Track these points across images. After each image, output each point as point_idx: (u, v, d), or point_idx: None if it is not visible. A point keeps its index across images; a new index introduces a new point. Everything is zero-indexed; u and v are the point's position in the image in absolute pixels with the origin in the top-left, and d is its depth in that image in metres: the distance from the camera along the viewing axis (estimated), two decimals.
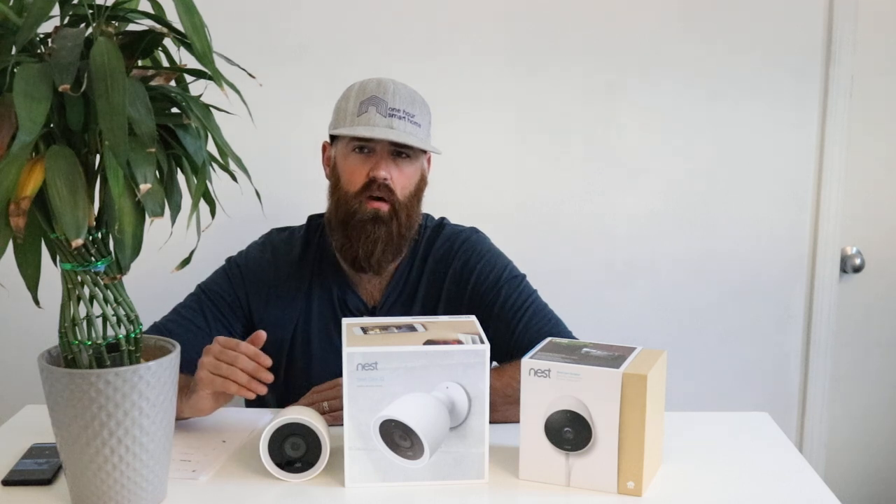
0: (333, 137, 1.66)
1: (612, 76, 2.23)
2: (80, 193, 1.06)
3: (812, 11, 2.23)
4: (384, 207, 1.60)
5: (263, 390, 1.40)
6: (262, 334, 1.46)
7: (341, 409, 1.33)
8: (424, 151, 1.66)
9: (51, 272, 1.18)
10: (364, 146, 1.60)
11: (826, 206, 2.30)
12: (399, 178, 1.61)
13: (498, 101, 2.23)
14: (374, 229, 1.60)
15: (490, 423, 1.30)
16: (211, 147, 1.21)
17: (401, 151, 1.60)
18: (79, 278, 1.15)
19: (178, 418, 1.48)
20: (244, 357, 1.40)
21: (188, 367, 1.56)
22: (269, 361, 1.41)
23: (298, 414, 1.33)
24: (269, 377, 1.40)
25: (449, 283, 1.69)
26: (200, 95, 1.19)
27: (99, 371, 1.14)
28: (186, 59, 1.16)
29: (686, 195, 2.29)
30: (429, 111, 1.66)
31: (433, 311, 1.69)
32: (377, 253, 1.61)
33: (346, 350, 1.27)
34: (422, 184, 1.67)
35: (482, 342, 1.28)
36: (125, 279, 1.19)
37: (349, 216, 1.61)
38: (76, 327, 1.16)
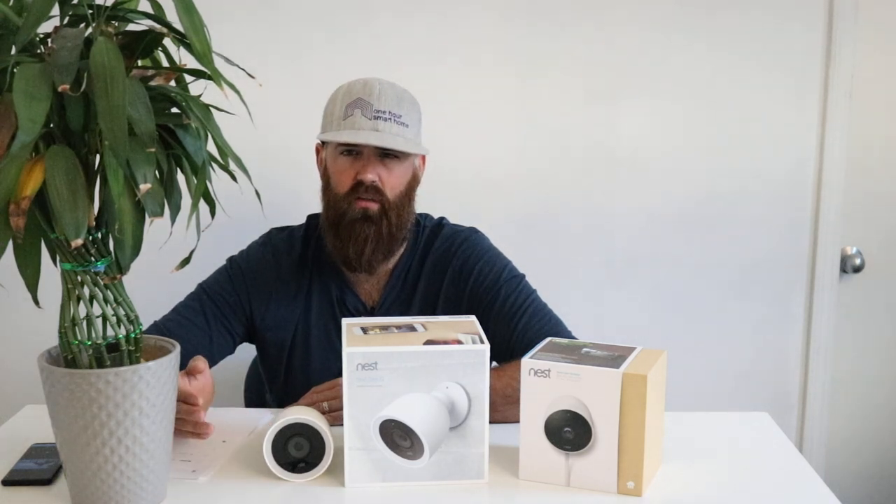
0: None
1: (612, 77, 2.23)
2: (80, 193, 1.06)
3: (812, 11, 2.23)
4: (373, 206, 1.60)
5: (208, 430, 1.38)
6: (199, 366, 1.43)
7: (341, 409, 1.33)
8: None
9: (51, 272, 1.18)
10: (352, 149, 1.60)
11: (826, 206, 2.30)
12: (388, 178, 1.61)
13: (498, 102, 2.23)
14: (364, 229, 1.60)
15: (490, 423, 1.30)
16: (211, 147, 1.21)
17: (389, 152, 1.60)
18: (79, 278, 1.15)
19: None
20: (180, 403, 1.35)
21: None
22: (196, 400, 1.38)
23: (301, 414, 1.33)
24: (200, 417, 1.37)
25: (448, 283, 1.69)
26: (200, 95, 1.19)
27: (99, 371, 1.14)
28: (186, 59, 1.16)
29: (686, 195, 2.29)
30: (418, 110, 1.65)
31: (432, 311, 1.69)
32: (367, 252, 1.61)
33: (346, 350, 1.27)
34: (413, 183, 1.67)
35: (482, 342, 1.28)
36: (125, 279, 1.19)
37: (339, 217, 1.61)
38: (76, 327, 1.16)
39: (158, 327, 1.62)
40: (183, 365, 1.46)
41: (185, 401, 1.37)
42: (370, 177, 1.58)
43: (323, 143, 1.68)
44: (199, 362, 1.46)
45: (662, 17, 2.21)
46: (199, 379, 1.44)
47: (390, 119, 1.58)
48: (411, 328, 1.35)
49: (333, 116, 1.61)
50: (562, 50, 2.21)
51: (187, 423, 1.38)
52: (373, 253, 1.62)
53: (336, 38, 2.18)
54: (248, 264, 1.72)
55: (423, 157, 1.71)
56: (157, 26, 1.14)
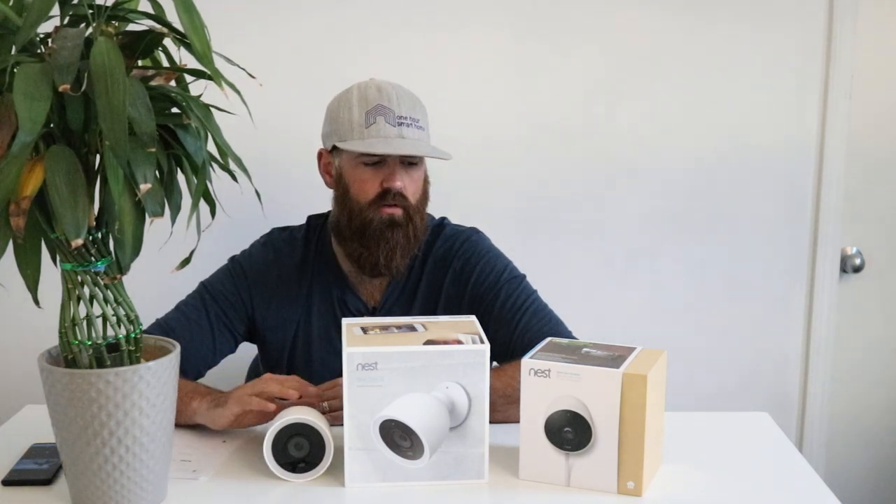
0: (335, 146, 1.64)
1: (612, 76, 2.23)
2: (80, 193, 1.06)
3: (812, 11, 2.23)
4: (398, 212, 1.60)
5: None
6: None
7: (341, 409, 1.33)
8: None
9: (51, 272, 1.18)
10: (375, 158, 1.59)
11: (826, 206, 2.30)
12: (410, 185, 1.61)
13: (498, 101, 2.23)
14: (393, 235, 1.59)
15: (490, 423, 1.30)
16: (211, 147, 1.21)
17: (410, 160, 1.60)
18: (79, 278, 1.15)
19: (187, 423, 1.48)
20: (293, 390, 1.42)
21: (189, 366, 1.57)
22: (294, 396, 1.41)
23: (301, 414, 1.33)
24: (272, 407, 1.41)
25: (449, 284, 1.69)
26: (200, 95, 1.19)
27: (99, 371, 1.14)
28: (186, 59, 1.16)
29: (686, 195, 2.29)
30: (426, 111, 1.66)
31: (433, 312, 1.69)
32: (396, 258, 1.61)
33: (346, 350, 1.27)
34: (427, 185, 1.67)
35: (482, 342, 1.28)
36: (125, 279, 1.19)
37: (365, 225, 1.60)
38: (76, 327, 1.16)
39: (161, 326, 1.62)
40: (184, 364, 1.46)
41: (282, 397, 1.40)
42: (398, 184, 1.58)
43: (332, 149, 1.66)
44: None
45: (662, 16, 2.21)
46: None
47: (412, 125, 1.58)
48: (411, 328, 1.35)
49: (353, 124, 1.58)
50: (563, 47, 2.21)
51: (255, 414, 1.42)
52: (401, 258, 1.62)
53: (336, 38, 2.18)
54: (249, 264, 1.72)
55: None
56: (158, 26, 1.14)
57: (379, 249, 1.60)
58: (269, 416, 1.41)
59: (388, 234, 1.59)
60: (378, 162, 1.59)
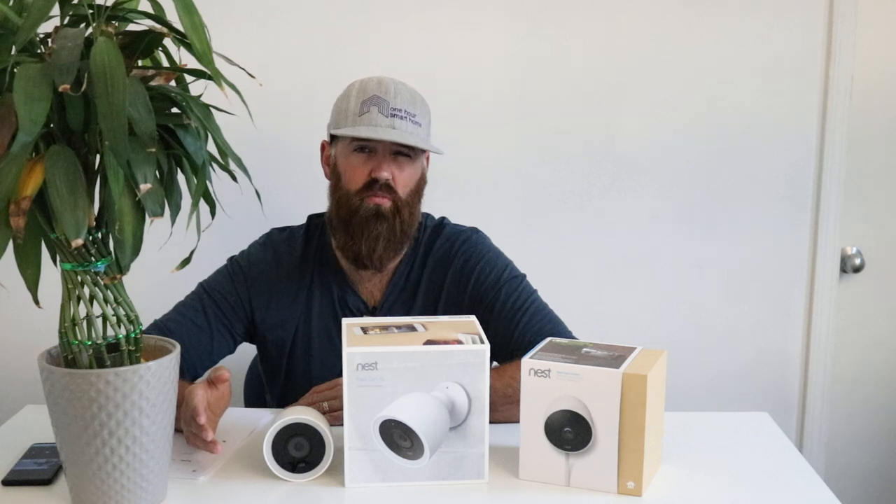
0: (333, 137, 1.66)
1: (612, 77, 2.23)
2: (80, 193, 1.06)
3: (812, 11, 2.23)
4: (386, 203, 1.60)
5: (216, 449, 1.34)
6: (224, 375, 1.41)
7: (341, 409, 1.33)
8: (424, 150, 1.66)
9: (51, 272, 1.18)
10: (365, 146, 1.60)
11: (826, 206, 2.30)
12: (400, 176, 1.61)
13: (499, 101, 2.23)
14: (377, 225, 1.60)
15: (490, 423, 1.30)
16: (211, 147, 1.21)
17: (402, 151, 1.60)
18: (79, 278, 1.15)
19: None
20: (192, 421, 1.35)
21: (187, 366, 1.57)
22: (202, 420, 1.32)
23: (301, 414, 1.33)
24: (208, 437, 1.33)
25: (449, 283, 1.69)
26: (200, 95, 1.19)
27: (99, 371, 1.14)
28: (186, 59, 1.16)
29: (686, 195, 2.29)
30: (429, 110, 1.66)
31: (433, 311, 1.69)
32: (379, 249, 1.61)
33: (346, 350, 1.27)
34: (422, 182, 1.67)
35: (482, 342, 1.28)
36: (125, 279, 1.19)
37: (351, 214, 1.61)
38: (76, 327, 1.16)
39: (159, 326, 1.62)
40: (183, 365, 1.46)
41: (194, 417, 1.33)
42: (385, 174, 1.58)
43: (331, 140, 1.68)
44: (225, 372, 1.42)
45: (662, 16, 2.21)
46: (220, 389, 1.41)
47: (406, 118, 1.59)
48: (411, 328, 1.35)
49: (348, 112, 1.60)
50: (562, 49, 2.21)
51: (198, 439, 1.36)
52: (384, 250, 1.62)
53: (336, 38, 2.18)
54: (248, 264, 1.72)
55: (428, 157, 1.71)
56: (158, 26, 1.14)
57: (362, 239, 1.61)
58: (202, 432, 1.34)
59: (373, 224, 1.60)
60: (370, 151, 1.60)
